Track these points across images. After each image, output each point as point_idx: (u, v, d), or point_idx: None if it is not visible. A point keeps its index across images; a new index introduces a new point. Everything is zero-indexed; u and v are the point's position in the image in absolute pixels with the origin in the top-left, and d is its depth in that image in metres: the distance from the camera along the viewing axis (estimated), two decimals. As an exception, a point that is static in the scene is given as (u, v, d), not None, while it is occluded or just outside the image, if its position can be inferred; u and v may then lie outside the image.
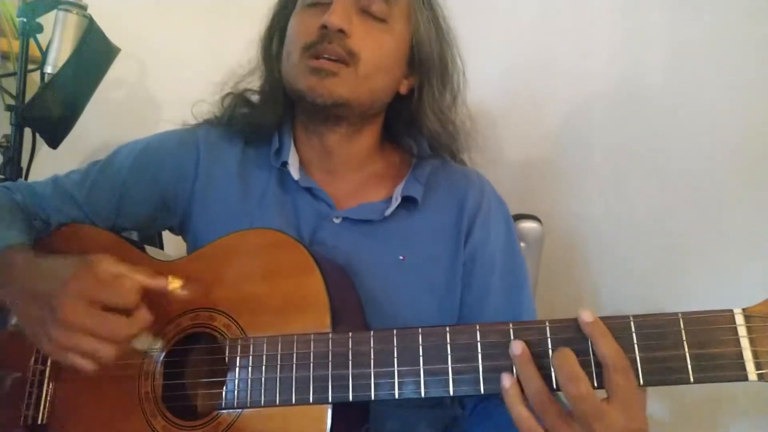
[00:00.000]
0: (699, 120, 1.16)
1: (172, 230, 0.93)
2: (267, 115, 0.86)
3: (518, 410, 0.55)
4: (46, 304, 0.63)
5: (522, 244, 1.04)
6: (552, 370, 0.56)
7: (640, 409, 0.54)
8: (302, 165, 0.85)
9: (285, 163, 0.84)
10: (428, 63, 0.84)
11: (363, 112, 0.82)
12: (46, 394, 0.74)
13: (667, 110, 1.19)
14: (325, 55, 0.76)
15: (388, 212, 0.81)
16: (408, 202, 0.82)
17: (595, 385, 0.55)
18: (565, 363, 0.54)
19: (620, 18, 1.23)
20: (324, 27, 0.76)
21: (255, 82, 0.90)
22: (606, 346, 0.54)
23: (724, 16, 1.13)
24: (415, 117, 0.86)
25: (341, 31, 0.76)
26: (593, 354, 0.56)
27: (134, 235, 1.15)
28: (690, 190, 1.18)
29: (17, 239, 0.75)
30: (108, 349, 0.61)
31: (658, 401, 1.22)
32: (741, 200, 1.14)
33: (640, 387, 0.54)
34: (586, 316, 0.56)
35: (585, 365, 0.55)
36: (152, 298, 0.74)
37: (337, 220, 0.81)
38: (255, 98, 0.89)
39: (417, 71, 0.85)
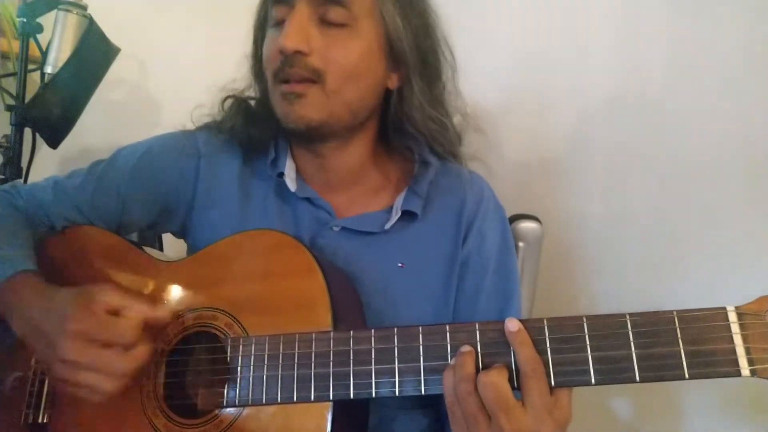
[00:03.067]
0: (699, 120, 1.17)
1: (174, 234, 0.93)
2: (262, 128, 0.84)
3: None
4: (49, 342, 0.65)
5: (521, 244, 1.04)
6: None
7: (549, 413, 0.56)
8: (300, 174, 0.85)
9: (281, 174, 0.83)
10: (404, 57, 0.79)
11: (346, 125, 0.79)
12: (47, 393, 0.74)
13: (666, 110, 1.19)
14: (291, 79, 0.74)
15: (388, 226, 0.81)
16: (408, 213, 0.81)
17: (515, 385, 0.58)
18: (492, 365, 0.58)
19: (620, 18, 1.23)
20: (281, 52, 0.73)
21: (252, 93, 0.89)
22: (524, 354, 0.57)
23: (724, 16, 1.14)
24: (400, 114, 0.83)
25: (298, 52, 0.73)
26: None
27: (134, 236, 1.15)
28: (689, 189, 1.18)
29: (24, 266, 0.73)
30: (106, 384, 0.63)
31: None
32: (740, 200, 1.14)
33: (553, 395, 0.57)
34: (512, 326, 0.59)
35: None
36: (155, 298, 0.75)
37: (336, 229, 0.81)
38: (254, 104, 0.88)
39: (397, 64, 0.81)
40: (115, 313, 0.64)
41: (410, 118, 0.82)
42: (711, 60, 1.15)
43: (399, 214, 0.81)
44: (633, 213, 1.23)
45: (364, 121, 0.82)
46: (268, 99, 0.82)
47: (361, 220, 0.82)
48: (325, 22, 0.74)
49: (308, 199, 0.82)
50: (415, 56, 0.80)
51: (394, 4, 0.78)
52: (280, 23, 0.76)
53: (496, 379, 0.56)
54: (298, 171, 0.85)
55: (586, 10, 1.26)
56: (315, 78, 0.74)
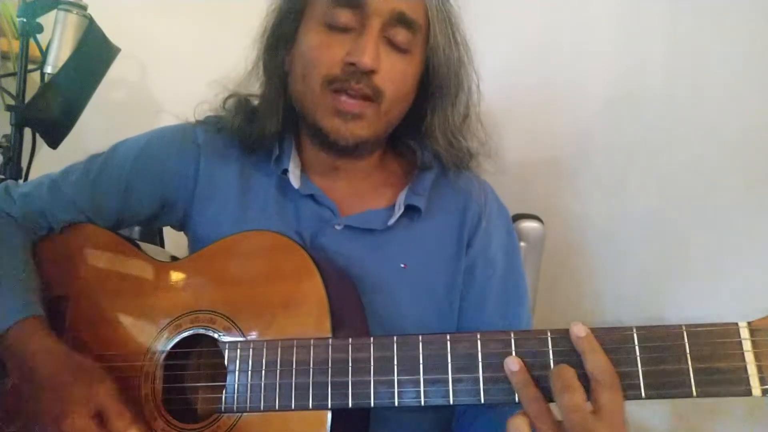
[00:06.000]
0: (699, 120, 1.16)
1: (173, 227, 0.92)
2: (268, 125, 0.83)
3: (531, 391, 0.56)
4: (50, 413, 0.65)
5: (523, 244, 1.04)
6: (549, 381, 0.56)
7: (623, 425, 0.54)
8: (304, 169, 0.84)
9: (285, 171, 0.82)
10: (443, 84, 0.81)
11: (377, 141, 0.82)
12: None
13: (667, 110, 1.19)
14: (351, 92, 0.74)
15: (390, 222, 0.80)
16: (411, 210, 0.81)
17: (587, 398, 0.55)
18: (561, 374, 0.55)
19: (620, 18, 1.23)
20: (352, 64, 0.73)
21: (254, 86, 0.87)
22: (595, 362, 0.54)
23: (724, 16, 1.13)
24: (424, 134, 0.84)
25: (371, 71, 0.73)
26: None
27: (136, 232, 1.15)
28: (690, 189, 1.18)
29: (22, 313, 0.72)
30: None
31: (656, 406, 1.22)
32: (741, 200, 1.14)
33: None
34: (578, 330, 0.55)
35: (581, 378, 0.55)
36: (153, 299, 0.74)
37: (338, 227, 0.80)
38: (256, 101, 0.87)
39: (430, 92, 0.82)
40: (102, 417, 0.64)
41: (434, 140, 0.83)
42: (712, 60, 1.15)
43: (402, 209, 0.80)
44: (633, 212, 1.23)
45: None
46: (279, 90, 0.82)
47: (364, 217, 0.81)
48: (390, 44, 0.75)
49: (312, 197, 0.82)
50: (453, 83, 0.82)
51: (449, 36, 0.79)
52: (342, 29, 0.75)
53: (581, 403, 0.53)
54: (303, 166, 0.84)
55: (586, 10, 1.25)
56: (374, 98, 0.74)
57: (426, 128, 0.84)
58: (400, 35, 0.75)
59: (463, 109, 0.84)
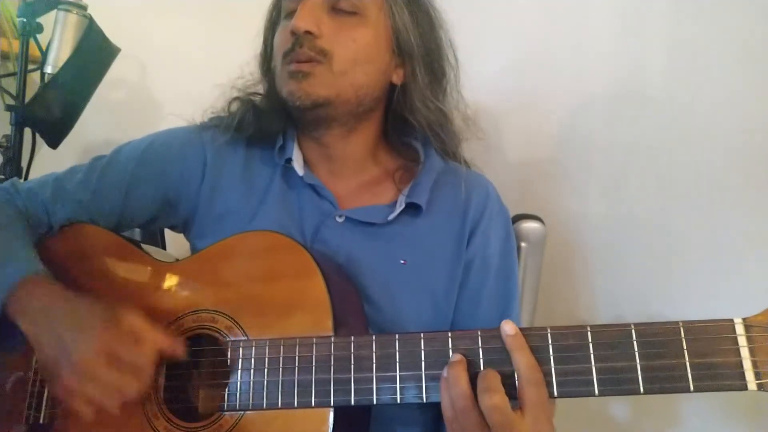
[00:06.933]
0: (699, 120, 1.16)
1: (173, 228, 0.92)
2: (272, 124, 0.86)
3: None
4: (63, 347, 0.64)
5: (523, 244, 1.04)
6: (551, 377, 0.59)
7: (548, 420, 0.57)
8: (306, 164, 0.85)
9: (289, 160, 0.84)
10: (409, 50, 0.83)
11: (351, 110, 0.81)
12: (48, 394, 0.74)
13: (667, 110, 1.19)
14: (299, 59, 0.77)
15: (391, 217, 0.81)
16: (412, 207, 0.82)
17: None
18: (486, 377, 0.58)
19: (620, 18, 1.23)
20: (293, 33, 0.77)
21: (260, 89, 0.90)
22: (520, 360, 0.58)
23: (724, 16, 1.13)
24: (403, 106, 0.85)
25: (309, 33, 0.76)
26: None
27: (137, 233, 1.15)
28: (690, 189, 1.18)
29: (36, 268, 0.72)
30: (111, 402, 0.63)
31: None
32: (740, 200, 1.14)
33: (549, 399, 0.57)
34: (509, 329, 0.59)
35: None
36: (155, 299, 0.74)
37: (339, 219, 0.81)
38: (261, 101, 0.89)
39: (403, 59, 0.84)
40: (136, 337, 0.65)
41: (413, 110, 0.85)
42: (711, 60, 1.15)
43: (403, 205, 0.81)
44: (633, 213, 1.23)
45: (368, 111, 0.84)
46: (275, 94, 0.83)
47: (365, 211, 0.82)
48: (336, 10, 0.79)
49: (313, 188, 0.83)
50: (421, 50, 0.83)
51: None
52: (292, 13, 0.79)
53: (500, 403, 0.56)
54: (304, 161, 0.86)
55: (585, 11, 1.26)
56: (321, 58, 0.77)
57: (404, 96, 0.85)
58: (344, 1, 0.79)
59: (440, 75, 0.87)
